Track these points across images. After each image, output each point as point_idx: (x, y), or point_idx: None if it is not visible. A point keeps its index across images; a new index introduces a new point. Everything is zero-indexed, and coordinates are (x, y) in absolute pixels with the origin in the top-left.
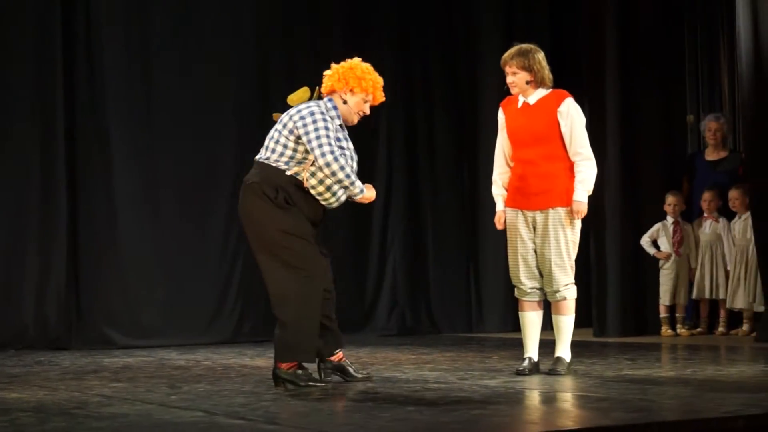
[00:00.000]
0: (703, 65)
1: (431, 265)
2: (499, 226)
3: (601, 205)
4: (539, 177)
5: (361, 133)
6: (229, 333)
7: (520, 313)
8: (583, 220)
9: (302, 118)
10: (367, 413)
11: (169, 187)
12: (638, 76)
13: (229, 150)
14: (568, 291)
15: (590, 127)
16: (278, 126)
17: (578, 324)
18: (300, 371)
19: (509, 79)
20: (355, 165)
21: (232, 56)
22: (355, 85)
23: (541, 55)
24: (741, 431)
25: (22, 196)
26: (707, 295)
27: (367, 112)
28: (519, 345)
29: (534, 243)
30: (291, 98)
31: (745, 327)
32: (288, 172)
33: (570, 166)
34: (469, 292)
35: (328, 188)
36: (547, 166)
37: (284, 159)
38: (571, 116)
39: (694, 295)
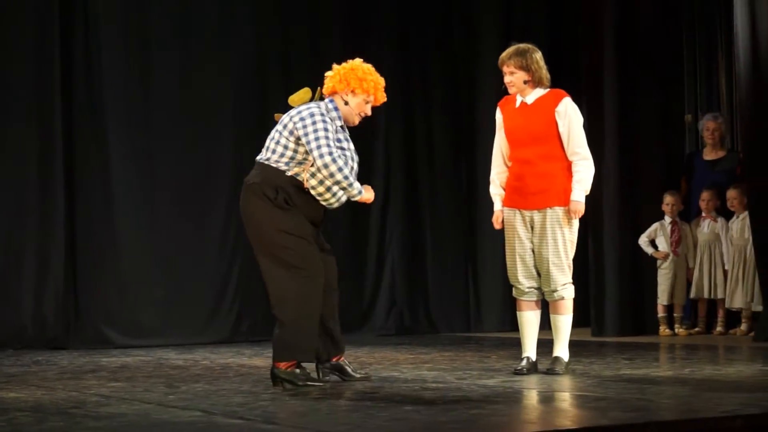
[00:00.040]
0: (701, 65)
1: (429, 264)
2: (497, 226)
3: (599, 205)
4: (537, 177)
5: (359, 133)
6: (226, 332)
7: (518, 312)
8: (581, 220)
9: (302, 119)
10: (365, 413)
11: (167, 187)
12: (636, 75)
13: (227, 150)
14: (565, 290)
15: (588, 127)
16: (279, 127)
17: (576, 323)
18: (298, 371)
19: (507, 79)
20: (356, 166)
21: (231, 56)
22: (356, 86)
23: (538, 55)
24: (739, 431)
25: (20, 196)
26: (706, 294)
27: (369, 112)
28: (517, 345)
29: (532, 243)
30: (292, 99)
31: (743, 326)
32: (288, 173)
33: (568, 166)
34: (467, 291)
35: (329, 189)
36: (544, 166)
37: (284, 160)
38: (569, 116)
39: (693, 294)
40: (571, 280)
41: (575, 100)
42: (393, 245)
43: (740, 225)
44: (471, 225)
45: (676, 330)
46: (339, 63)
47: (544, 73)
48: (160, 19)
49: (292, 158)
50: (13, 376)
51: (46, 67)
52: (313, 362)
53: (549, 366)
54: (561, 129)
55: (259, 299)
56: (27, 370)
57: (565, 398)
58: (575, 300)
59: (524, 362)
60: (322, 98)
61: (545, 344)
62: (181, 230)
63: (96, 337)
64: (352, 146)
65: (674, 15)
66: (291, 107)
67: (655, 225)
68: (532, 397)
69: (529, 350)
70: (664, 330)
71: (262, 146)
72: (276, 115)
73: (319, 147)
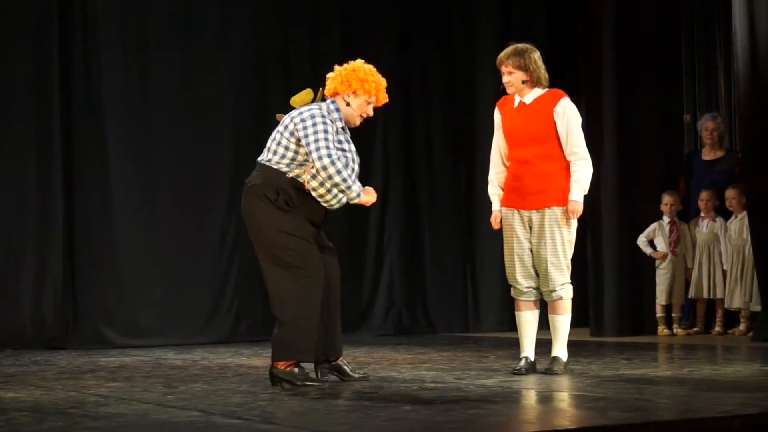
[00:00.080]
0: (700, 65)
1: (428, 264)
2: (495, 226)
3: (598, 205)
4: (535, 176)
5: (358, 133)
6: (225, 332)
7: (516, 312)
8: (580, 220)
9: (303, 120)
10: (363, 413)
11: (166, 188)
12: (635, 75)
13: (226, 150)
14: (564, 290)
15: (587, 127)
16: (280, 128)
17: (575, 323)
18: (297, 370)
19: (505, 79)
20: (357, 167)
21: (230, 56)
22: (357, 87)
23: (536, 55)
24: (737, 431)
25: (19, 196)
26: (705, 294)
27: (371, 113)
28: (516, 345)
29: (530, 242)
30: (294, 100)
31: (742, 326)
32: (289, 175)
33: (566, 166)
34: (465, 291)
35: (329, 190)
36: (543, 166)
37: (285, 161)
38: (567, 116)
39: (692, 294)
40: (569, 280)
41: (574, 100)
42: (391, 245)
43: (738, 225)
44: (469, 225)
45: (675, 330)
46: (338, 63)
47: (543, 73)
48: (160, 19)
49: (293, 159)
50: (12, 376)
51: (44, 67)
52: (312, 362)
53: (547, 366)
54: (559, 129)
55: (258, 299)
56: (26, 370)
57: (564, 398)
58: (574, 300)
59: (523, 362)
60: (324, 99)
61: (544, 344)
62: (180, 230)
63: (95, 337)
64: (353, 147)
65: (673, 15)
66: (293, 108)
67: (654, 225)
68: (530, 397)
69: (528, 350)
70: (662, 330)
71: (262, 146)
72: (278, 115)
73: (318, 149)
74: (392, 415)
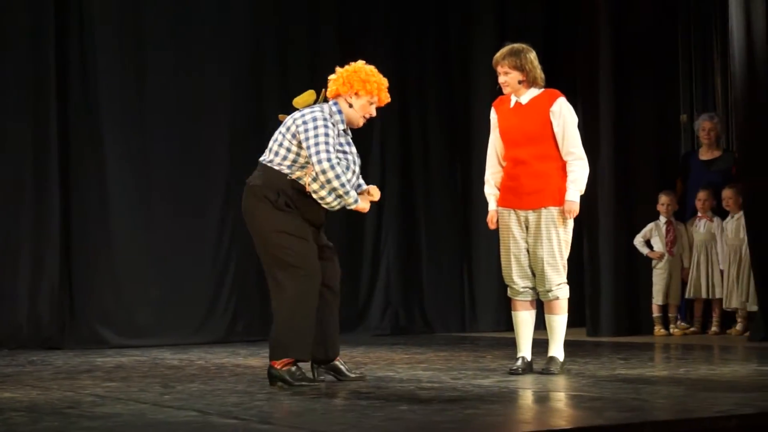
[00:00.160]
0: (697, 65)
1: (424, 264)
2: (492, 226)
3: (594, 205)
4: (532, 176)
5: (356, 133)
6: (222, 332)
7: (513, 312)
8: (576, 220)
9: (305, 122)
10: (360, 413)
11: (162, 188)
12: (632, 75)
13: (222, 150)
14: (560, 290)
15: (583, 127)
16: (282, 129)
17: (571, 323)
18: (294, 368)
19: (501, 79)
20: (357, 169)
21: (227, 57)
22: (359, 87)
23: (532, 55)
24: (734, 430)
25: (16, 196)
26: (703, 294)
27: (374, 113)
28: (512, 344)
29: (526, 242)
30: (296, 101)
31: (739, 326)
32: (290, 176)
33: (562, 166)
34: (462, 291)
35: (329, 193)
36: (539, 166)
37: (287, 163)
38: (564, 116)
39: (690, 294)
40: (565, 280)
41: (570, 100)
42: (388, 245)
43: (735, 225)
44: (466, 225)
45: (672, 330)
46: (335, 63)
47: (539, 73)
48: (156, 19)
49: (294, 161)
50: (8, 376)
51: (41, 68)
52: (308, 360)
53: (544, 366)
54: (555, 129)
55: (255, 299)
56: (22, 370)
57: (561, 398)
58: (570, 300)
59: (519, 362)
60: (326, 100)
61: (540, 344)
62: (176, 230)
63: (91, 337)
64: (354, 150)
65: (670, 15)
66: (295, 108)
67: (650, 225)
68: (527, 397)
69: (525, 350)
70: (659, 330)
71: (259, 147)
72: (280, 116)
73: (318, 153)
74: (389, 415)
